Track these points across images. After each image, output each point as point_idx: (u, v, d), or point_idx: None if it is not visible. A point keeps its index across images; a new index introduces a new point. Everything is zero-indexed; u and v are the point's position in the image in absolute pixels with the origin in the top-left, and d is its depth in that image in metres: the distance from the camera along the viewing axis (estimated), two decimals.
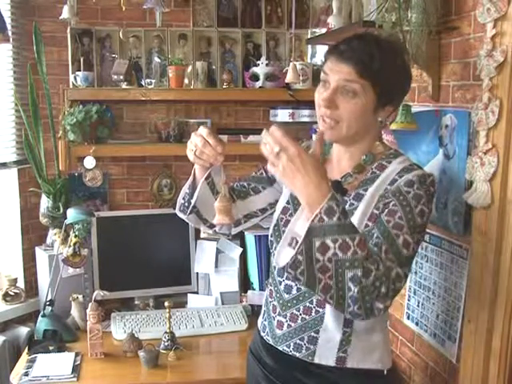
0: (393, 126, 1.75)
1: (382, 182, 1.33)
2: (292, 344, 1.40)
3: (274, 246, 1.48)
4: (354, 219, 1.32)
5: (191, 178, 1.48)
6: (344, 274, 1.12)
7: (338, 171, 1.42)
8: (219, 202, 1.34)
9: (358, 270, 1.12)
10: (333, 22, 2.14)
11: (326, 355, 1.37)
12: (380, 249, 1.20)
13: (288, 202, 1.49)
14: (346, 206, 1.35)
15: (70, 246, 2.24)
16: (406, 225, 1.24)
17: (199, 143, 1.34)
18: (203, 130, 1.35)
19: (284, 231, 1.44)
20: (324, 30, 2.34)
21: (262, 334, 1.50)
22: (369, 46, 1.30)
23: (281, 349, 1.43)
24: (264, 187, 1.59)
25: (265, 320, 1.50)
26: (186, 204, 1.50)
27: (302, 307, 1.39)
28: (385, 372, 1.40)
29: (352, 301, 1.14)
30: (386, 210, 1.27)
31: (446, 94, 1.68)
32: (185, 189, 1.51)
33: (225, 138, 2.60)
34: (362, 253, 1.12)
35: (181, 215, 1.55)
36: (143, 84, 2.53)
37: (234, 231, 1.63)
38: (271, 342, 1.46)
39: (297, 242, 1.15)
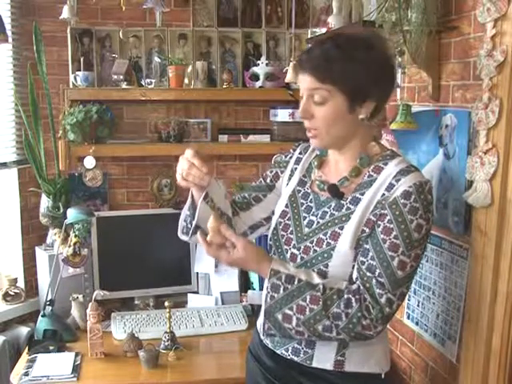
0: (393, 126, 1.75)
1: (379, 186, 1.32)
2: (290, 348, 1.40)
3: (273, 250, 1.47)
4: (351, 224, 1.32)
5: (189, 199, 1.45)
6: (316, 329, 1.28)
7: (336, 173, 1.42)
8: (211, 222, 1.34)
9: (324, 320, 1.26)
10: (333, 21, 2.14)
11: (323, 359, 1.37)
12: (373, 273, 1.28)
13: (287, 206, 1.48)
14: (343, 210, 1.35)
15: (70, 246, 2.24)
16: (401, 244, 1.26)
17: (185, 165, 1.34)
18: (188, 152, 1.34)
19: (282, 235, 1.44)
20: (324, 30, 2.34)
21: (262, 337, 1.49)
22: (326, 50, 1.30)
23: (279, 352, 1.43)
24: (264, 195, 1.57)
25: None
26: (189, 225, 1.46)
27: None
28: (382, 375, 1.40)
29: (338, 339, 1.30)
30: (382, 226, 1.28)
31: (446, 93, 1.68)
32: (185, 211, 1.48)
33: (225, 137, 2.61)
34: (318, 306, 1.26)
35: (184, 237, 1.52)
36: (143, 84, 2.53)
37: None
38: (270, 346, 1.46)
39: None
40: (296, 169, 1.53)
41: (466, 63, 1.57)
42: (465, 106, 1.58)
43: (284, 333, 1.31)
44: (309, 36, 2.57)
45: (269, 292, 1.29)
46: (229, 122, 2.71)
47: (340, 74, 1.28)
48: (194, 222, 1.43)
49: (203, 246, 1.35)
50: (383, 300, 1.26)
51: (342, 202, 1.36)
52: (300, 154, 1.55)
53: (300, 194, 1.47)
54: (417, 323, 1.86)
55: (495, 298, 1.46)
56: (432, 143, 1.73)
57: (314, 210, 1.42)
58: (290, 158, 1.57)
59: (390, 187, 1.30)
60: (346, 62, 1.28)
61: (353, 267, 1.32)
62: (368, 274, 1.28)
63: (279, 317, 1.29)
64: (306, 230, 1.40)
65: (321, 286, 1.27)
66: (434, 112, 1.73)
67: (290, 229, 1.43)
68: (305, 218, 1.42)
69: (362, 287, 1.28)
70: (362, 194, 1.34)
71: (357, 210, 1.33)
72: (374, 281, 1.27)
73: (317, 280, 1.29)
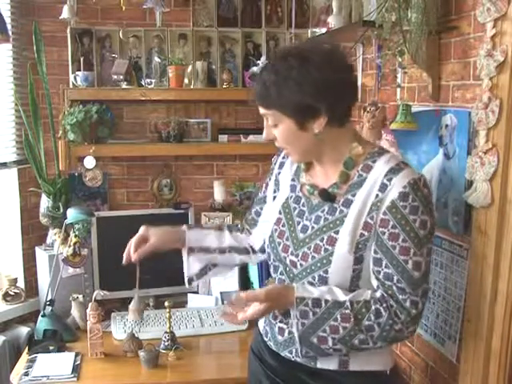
0: (393, 126, 1.76)
1: (371, 186, 1.30)
2: (294, 350, 1.39)
3: (272, 258, 1.47)
4: (346, 227, 1.31)
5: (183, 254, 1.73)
6: (353, 344, 1.29)
7: (325, 177, 1.39)
8: (131, 304, 1.74)
9: (359, 335, 1.27)
10: (333, 21, 2.14)
11: (328, 360, 1.36)
12: (392, 280, 1.28)
13: (280, 212, 1.47)
14: (336, 214, 1.34)
15: (70, 246, 2.24)
16: (411, 245, 1.26)
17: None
18: (140, 231, 1.69)
19: (279, 243, 1.44)
20: (324, 30, 2.34)
21: (265, 338, 1.49)
22: (262, 76, 1.32)
23: (283, 354, 1.42)
24: (261, 207, 1.61)
25: (266, 325, 1.49)
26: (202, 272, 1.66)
27: None
28: (387, 372, 1.40)
29: (376, 348, 1.31)
30: (387, 233, 1.27)
31: (446, 93, 1.68)
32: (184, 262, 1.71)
33: (225, 137, 2.61)
34: (350, 323, 1.27)
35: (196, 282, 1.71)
36: (143, 84, 2.53)
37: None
38: (273, 348, 1.45)
39: None
40: (280, 173, 1.53)
41: (466, 63, 1.57)
42: (465, 105, 1.58)
43: (322, 353, 1.33)
44: (309, 36, 2.57)
45: (298, 319, 1.29)
46: (229, 122, 2.71)
47: (277, 99, 1.28)
48: (186, 274, 1.67)
49: (230, 320, 1.39)
50: (408, 304, 1.27)
51: (335, 205, 1.35)
52: (283, 158, 1.54)
53: (292, 199, 1.45)
54: None
55: (495, 298, 1.46)
56: (432, 143, 1.73)
57: (306, 214, 1.40)
58: (275, 164, 1.57)
59: (383, 187, 1.28)
60: (279, 85, 1.27)
61: (353, 271, 1.31)
62: (387, 282, 1.28)
63: (315, 340, 1.30)
64: (301, 235, 1.39)
65: (348, 304, 1.28)
66: (434, 112, 1.73)
67: (286, 235, 1.42)
68: (298, 222, 1.41)
69: (385, 294, 1.29)
70: (354, 195, 1.32)
71: (350, 212, 1.31)
72: (394, 288, 1.28)
73: (342, 297, 1.29)
